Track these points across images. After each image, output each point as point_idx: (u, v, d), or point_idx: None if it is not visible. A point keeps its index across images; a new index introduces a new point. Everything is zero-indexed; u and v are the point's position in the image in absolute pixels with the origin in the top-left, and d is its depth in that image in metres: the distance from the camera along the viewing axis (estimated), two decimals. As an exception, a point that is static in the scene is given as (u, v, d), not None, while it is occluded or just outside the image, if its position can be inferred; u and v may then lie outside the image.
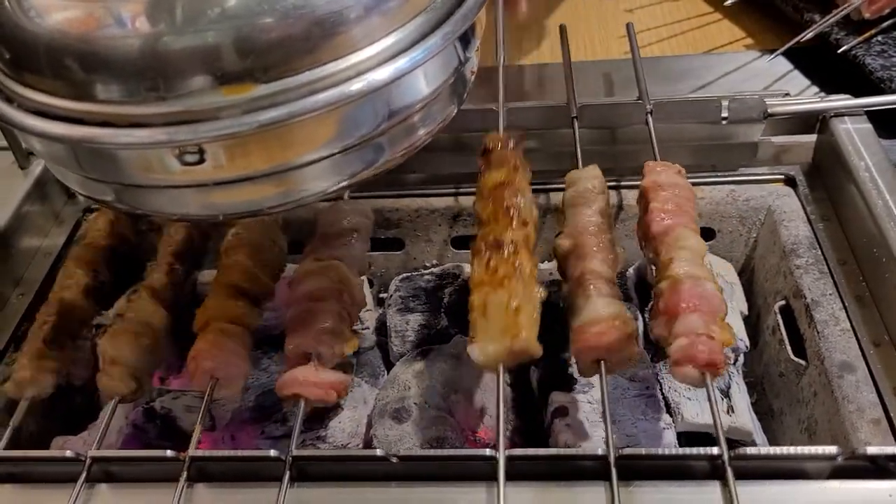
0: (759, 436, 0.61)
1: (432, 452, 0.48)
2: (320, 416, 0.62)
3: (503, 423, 0.46)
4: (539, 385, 0.63)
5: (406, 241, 0.75)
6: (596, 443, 0.56)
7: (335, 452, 0.53)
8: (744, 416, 0.60)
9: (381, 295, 0.76)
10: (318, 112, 0.39)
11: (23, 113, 0.41)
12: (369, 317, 0.73)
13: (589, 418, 0.58)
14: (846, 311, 0.60)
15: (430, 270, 0.72)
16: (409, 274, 0.71)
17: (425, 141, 0.48)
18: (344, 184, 0.45)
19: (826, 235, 0.66)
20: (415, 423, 0.59)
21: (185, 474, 0.46)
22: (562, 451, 0.48)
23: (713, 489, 0.44)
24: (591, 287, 0.52)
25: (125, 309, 0.58)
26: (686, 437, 0.60)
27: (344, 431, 0.60)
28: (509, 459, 0.44)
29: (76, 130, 0.39)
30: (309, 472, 0.47)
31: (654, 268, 0.54)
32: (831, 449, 0.43)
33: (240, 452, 0.49)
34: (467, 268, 0.71)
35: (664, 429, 0.58)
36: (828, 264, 0.63)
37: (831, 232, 0.66)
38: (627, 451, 0.44)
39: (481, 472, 0.45)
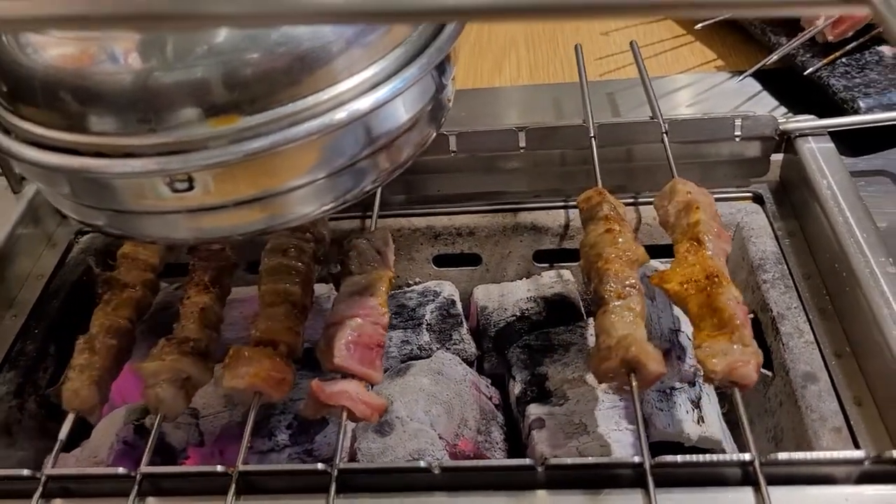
0: (729, 444, 0.64)
1: (472, 464, 0.50)
2: (306, 430, 0.64)
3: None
4: (518, 399, 0.65)
5: (389, 260, 0.78)
6: (568, 452, 0.58)
7: (381, 465, 0.55)
8: (714, 426, 0.63)
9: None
10: (301, 141, 0.42)
11: (20, 144, 0.43)
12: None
13: (564, 430, 0.61)
14: (810, 324, 0.62)
15: (412, 288, 0.74)
16: (392, 292, 0.74)
17: (406, 164, 0.50)
18: (328, 207, 0.48)
19: (792, 251, 0.69)
20: (397, 437, 0.61)
21: (233, 488, 0.47)
22: (602, 459, 0.51)
23: (746, 495, 0.46)
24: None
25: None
26: (658, 447, 0.62)
27: (329, 445, 0.62)
28: (548, 469, 0.46)
29: (71, 161, 0.41)
30: (353, 483, 0.48)
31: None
32: (858, 453, 0.46)
33: (288, 466, 0.53)
34: (448, 286, 0.74)
35: (636, 439, 0.60)
36: (793, 279, 0.66)
37: (797, 247, 0.69)
38: (662, 458, 0.46)
39: (520, 480, 0.47)
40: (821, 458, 0.47)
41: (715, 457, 0.48)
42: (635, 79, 0.91)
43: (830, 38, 0.82)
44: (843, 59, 0.83)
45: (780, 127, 0.73)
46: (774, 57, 0.82)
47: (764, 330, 0.66)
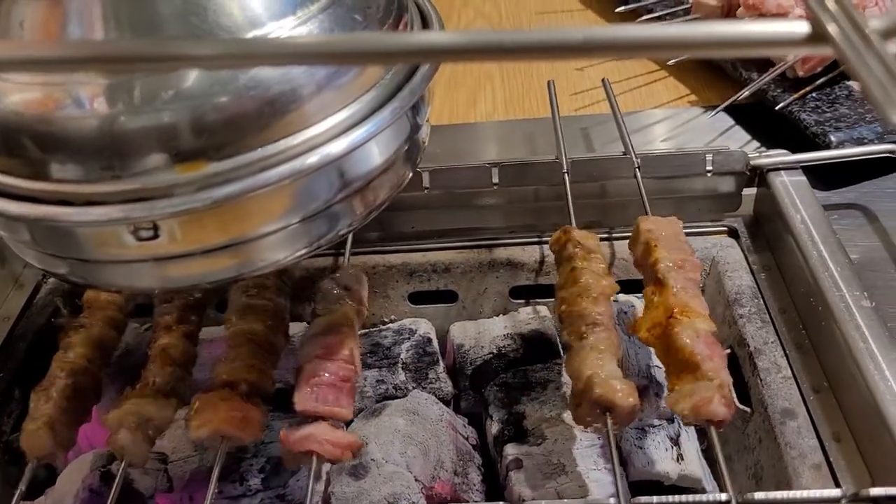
0: (710, 483, 0.63)
1: None
2: (279, 473, 0.63)
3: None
4: (495, 439, 0.64)
5: (364, 298, 0.77)
6: (546, 493, 0.57)
7: None
8: (693, 464, 0.62)
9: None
10: (271, 186, 0.41)
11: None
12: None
13: (542, 470, 0.60)
14: (787, 359, 0.62)
15: (387, 326, 0.73)
16: (367, 330, 0.73)
17: (382, 206, 0.50)
18: (301, 252, 0.47)
19: (767, 285, 0.69)
20: (372, 480, 0.59)
21: None
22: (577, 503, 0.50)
23: None
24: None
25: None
26: (637, 486, 0.61)
27: (302, 489, 0.61)
28: None
29: (32, 210, 0.40)
30: None
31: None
32: (836, 492, 0.46)
33: None
34: (423, 324, 0.73)
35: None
36: (769, 313, 0.66)
37: (772, 281, 0.69)
38: (638, 500, 0.46)
39: None
40: (798, 499, 0.46)
41: (692, 498, 0.47)
42: (609, 114, 0.91)
43: (801, 73, 0.83)
44: (814, 94, 0.84)
45: (752, 162, 0.73)
46: (746, 92, 0.83)
47: (741, 365, 0.65)
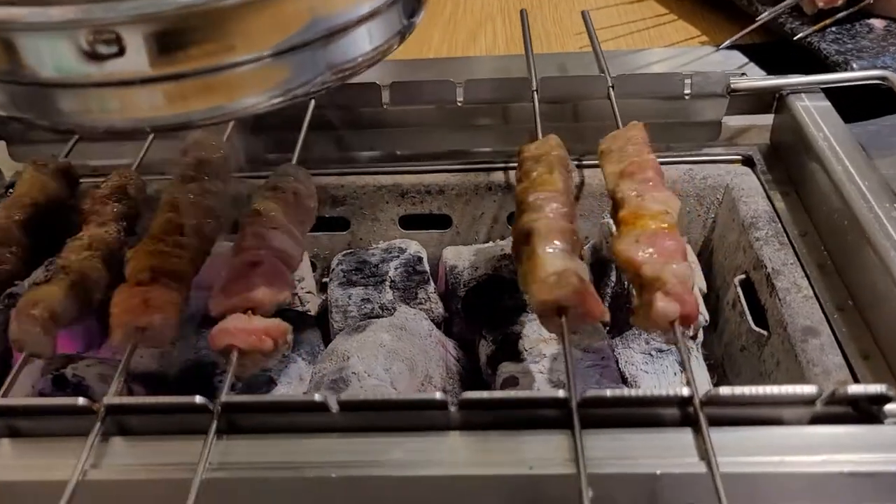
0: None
1: (374, 397, 0.43)
2: (252, 390, 0.58)
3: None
4: (489, 359, 0.59)
5: (352, 221, 0.71)
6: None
7: (272, 398, 0.48)
8: (703, 389, 0.57)
9: (325, 280, 0.71)
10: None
11: None
12: (311, 301, 0.69)
13: (540, 387, 0.54)
14: (808, 279, 0.57)
15: (375, 246, 0.68)
16: (353, 249, 0.67)
17: (363, 67, 0.45)
18: (277, 100, 0.41)
19: (786, 209, 0.64)
20: (352, 393, 0.54)
21: (98, 426, 0.40)
22: (522, 394, 0.44)
23: (684, 436, 0.40)
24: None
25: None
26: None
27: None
28: (460, 406, 0.40)
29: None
30: (241, 423, 0.42)
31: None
32: (810, 389, 0.39)
33: (162, 399, 0.43)
34: (414, 244, 0.68)
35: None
36: (788, 236, 0.61)
37: (791, 206, 0.64)
38: (591, 392, 0.40)
39: (432, 421, 0.41)
40: (768, 394, 0.40)
41: (649, 392, 0.41)
42: (610, 52, 0.87)
43: (820, 3, 0.78)
44: (833, 28, 0.79)
45: (769, 82, 0.69)
46: (763, 19, 0.78)
47: (757, 288, 0.60)
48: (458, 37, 0.93)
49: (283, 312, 0.64)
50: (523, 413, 0.41)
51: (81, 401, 0.41)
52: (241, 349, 0.46)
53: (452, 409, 0.40)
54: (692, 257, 0.68)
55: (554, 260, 0.45)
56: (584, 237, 0.71)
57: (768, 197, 0.65)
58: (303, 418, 0.42)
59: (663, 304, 0.43)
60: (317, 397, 0.40)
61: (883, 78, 0.66)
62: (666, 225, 0.48)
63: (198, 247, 0.52)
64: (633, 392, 0.40)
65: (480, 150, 0.72)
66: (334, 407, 0.41)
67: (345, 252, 0.67)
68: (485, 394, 0.40)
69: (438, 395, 0.40)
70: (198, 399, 0.40)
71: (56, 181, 0.61)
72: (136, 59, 0.36)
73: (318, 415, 0.41)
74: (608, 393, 0.40)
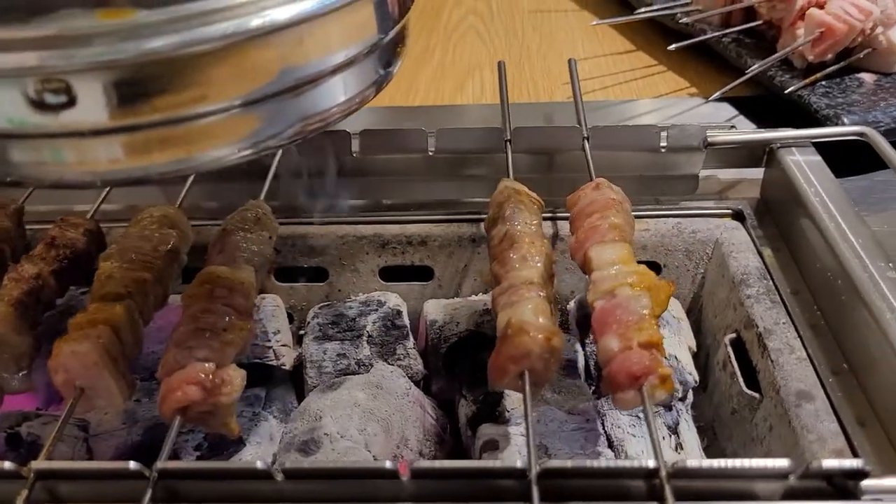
0: (711, 478, 0.55)
1: (319, 466, 0.40)
2: (219, 450, 0.55)
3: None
4: (469, 420, 0.56)
5: (330, 272, 0.69)
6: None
7: (212, 465, 0.45)
8: (694, 454, 0.54)
9: (301, 332, 0.69)
10: (209, 45, 0.34)
11: None
12: (287, 354, 0.66)
13: (521, 451, 0.52)
14: (801, 340, 0.55)
15: (353, 299, 0.66)
16: (330, 302, 0.65)
17: (337, 118, 0.43)
18: (245, 152, 0.40)
19: (777, 266, 0.62)
20: (324, 456, 0.51)
21: (25, 493, 0.38)
22: (476, 464, 0.41)
23: None
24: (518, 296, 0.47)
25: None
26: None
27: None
28: (413, 475, 0.38)
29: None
30: (181, 491, 0.39)
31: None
32: (782, 463, 0.37)
33: (94, 465, 0.41)
34: (393, 296, 0.66)
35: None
36: (780, 294, 0.59)
37: (782, 262, 0.62)
38: (551, 463, 0.38)
39: (383, 491, 0.39)
40: (739, 469, 0.38)
41: (613, 463, 0.39)
42: (598, 102, 0.86)
43: (810, 57, 0.78)
44: (823, 82, 0.78)
45: (759, 136, 0.68)
46: (752, 72, 0.77)
47: (749, 348, 0.58)
48: (445, 85, 0.92)
49: (257, 367, 0.61)
50: (481, 484, 0.38)
51: (7, 465, 0.38)
52: (181, 407, 0.43)
53: (404, 478, 0.38)
54: (680, 314, 0.66)
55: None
56: (571, 291, 0.69)
57: (759, 252, 0.64)
58: (248, 485, 0.39)
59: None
60: (259, 465, 0.38)
61: (861, 134, 0.65)
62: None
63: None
64: (595, 463, 0.39)
65: (468, 199, 0.70)
66: (279, 476, 0.38)
67: (321, 304, 0.65)
68: (436, 463, 0.39)
69: (388, 464, 0.38)
70: (132, 465, 0.38)
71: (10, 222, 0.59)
72: (90, 109, 0.35)
73: (264, 482, 0.38)
74: (569, 464, 0.38)
